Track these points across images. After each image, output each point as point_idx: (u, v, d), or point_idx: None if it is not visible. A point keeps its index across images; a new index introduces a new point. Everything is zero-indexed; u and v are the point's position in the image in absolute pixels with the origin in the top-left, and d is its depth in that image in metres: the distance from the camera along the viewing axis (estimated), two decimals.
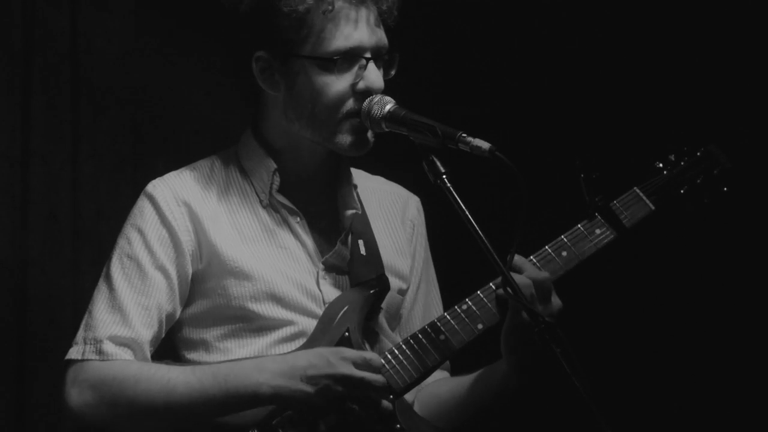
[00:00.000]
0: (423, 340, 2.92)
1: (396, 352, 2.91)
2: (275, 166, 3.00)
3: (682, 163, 3.11)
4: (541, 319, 2.67)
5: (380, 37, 2.95)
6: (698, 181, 3.10)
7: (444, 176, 2.76)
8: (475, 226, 2.71)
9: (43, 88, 4.04)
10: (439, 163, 2.77)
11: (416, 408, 3.07)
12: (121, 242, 2.97)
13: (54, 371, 3.87)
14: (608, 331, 4.33)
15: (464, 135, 2.76)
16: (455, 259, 3.41)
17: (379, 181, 3.21)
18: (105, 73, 4.10)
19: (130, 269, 2.93)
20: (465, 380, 3.06)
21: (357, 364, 2.78)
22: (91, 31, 4.09)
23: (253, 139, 3.04)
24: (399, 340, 3.05)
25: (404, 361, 2.90)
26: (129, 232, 2.97)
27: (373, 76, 2.93)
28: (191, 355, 2.98)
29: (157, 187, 3.00)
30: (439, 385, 3.09)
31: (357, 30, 2.92)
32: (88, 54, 4.08)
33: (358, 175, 3.14)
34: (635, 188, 3.06)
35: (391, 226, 3.14)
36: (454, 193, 2.74)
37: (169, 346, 3.02)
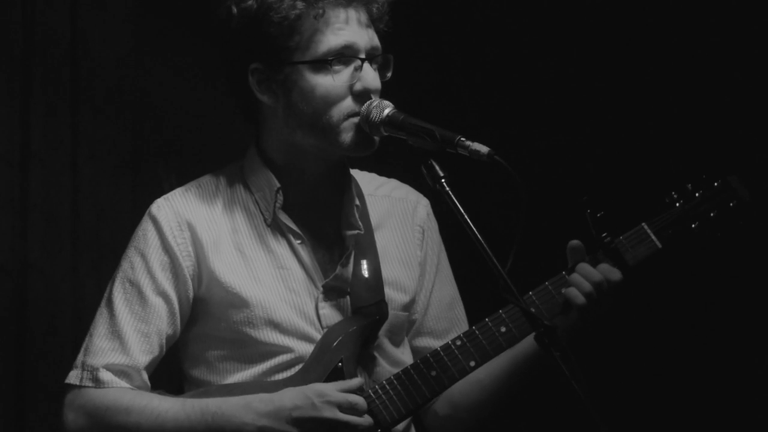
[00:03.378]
0: (414, 375, 2.93)
1: (387, 386, 2.93)
2: (278, 184, 3.00)
3: (697, 195, 3.01)
4: (540, 322, 2.67)
5: (372, 38, 2.95)
6: (712, 215, 3.00)
7: (443, 180, 2.75)
8: (474, 230, 2.70)
9: (43, 91, 4.05)
10: (437, 167, 2.76)
11: (454, 401, 3.09)
12: (124, 265, 2.99)
13: (54, 375, 3.89)
14: (608, 335, 4.33)
15: (463, 139, 2.76)
16: (455, 262, 3.40)
17: (391, 185, 3.19)
18: (104, 76, 4.11)
19: (132, 295, 2.95)
20: (500, 359, 3.02)
21: (342, 408, 2.82)
22: (91, 35, 4.10)
23: (257, 156, 3.04)
24: (403, 356, 3.06)
25: (394, 396, 2.92)
26: (132, 256, 2.98)
27: (370, 76, 2.93)
28: (193, 372, 3.01)
29: (162, 208, 2.99)
30: (474, 371, 3.04)
31: (348, 29, 2.92)
32: (87, 57, 4.09)
33: (370, 181, 3.14)
34: (643, 224, 2.99)
35: (399, 236, 3.13)
36: (453, 197, 2.74)
37: (173, 360, 3.05)
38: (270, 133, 3.02)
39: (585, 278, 2.93)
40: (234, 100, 3.05)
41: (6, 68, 4.02)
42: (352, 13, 2.93)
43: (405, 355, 3.09)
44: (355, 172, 3.11)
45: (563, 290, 2.94)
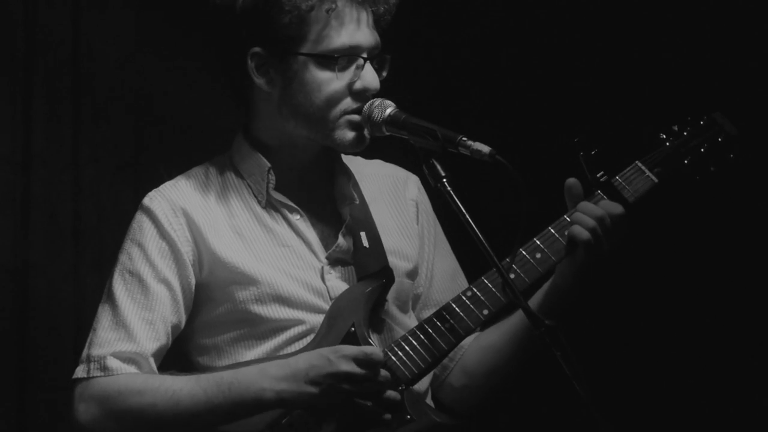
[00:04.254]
0: (429, 329, 2.92)
1: (402, 343, 2.91)
2: (269, 164, 3.00)
3: (686, 133, 3.04)
4: (541, 322, 2.67)
5: (376, 38, 2.96)
6: (702, 150, 3.03)
7: (444, 180, 2.76)
8: (475, 229, 2.71)
9: (45, 92, 4.05)
10: (439, 167, 2.77)
11: (469, 369, 3.09)
12: (122, 258, 2.97)
13: (55, 374, 3.90)
14: (609, 334, 4.34)
15: (464, 138, 2.76)
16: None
17: (377, 165, 3.20)
18: (106, 77, 4.11)
19: (133, 284, 2.94)
20: (511, 320, 3.03)
21: (358, 360, 2.78)
22: (93, 36, 4.10)
23: (244, 141, 3.04)
24: (412, 323, 3.05)
25: (411, 352, 2.90)
26: (129, 248, 2.97)
27: (370, 76, 2.94)
28: (204, 360, 2.99)
29: (154, 199, 2.99)
30: (486, 337, 3.06)
31: (359, 29, 2.93)
32: (89, 58, 4.09)
33: (356, 162, 3.14)
34: (637, 162, 3.00)
35: (394, 209, 3.13)
36: (454, 196, 2.74)
37: (180, 352, 3.02)
38: (261, 118, 3.02)
39: (587, 214, 2.90)
40: (224, 81, 3.04)
41: (7, 70, 4.02)
42: (363, 13, 2.93)
43: (412, 320, 3.08)
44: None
45: (566, 231, 2.92)
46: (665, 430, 4.39)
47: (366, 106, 2.92)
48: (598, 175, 2.96)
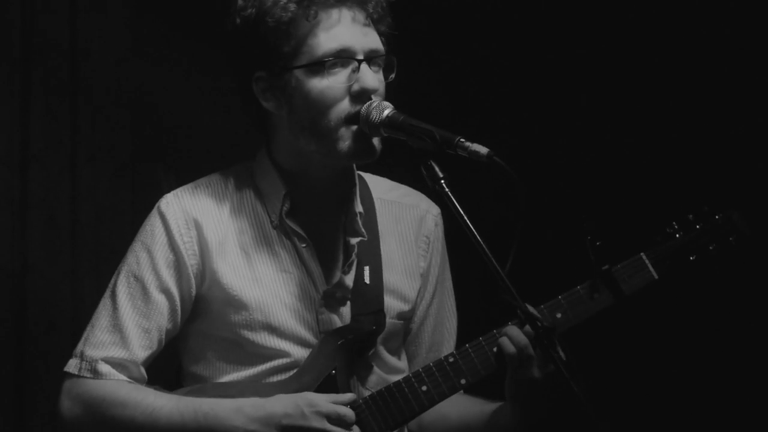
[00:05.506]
0: (405, 389, 2.95)
1: (377, 397, 2.95)
2: (285, 190, 3.00)
3: (698, 227, 3.02)
4: (539, 323, 2.67)
5: (370, 37, 2.94)
6: (711, 248, 3.01)
7: (442, 181, 2.75)
8: (474, 230, 2.70)
9: (42, 92, 4.05)
10: (437, 168, 2.76)
11: (423, 424, 3.11)
12: (130, 259, 3.00)
13: (53, 375, 3.89)
14: (607, 335, 4.34)
15: (462, 140, 2.75)
16: (454, 262, 3.41)
17: (402, 191, 3.18)
18: (104, 78, 4.11)
19: (135, 290, 2.97)
20: (476, 409, 3.07)
21: (330, 419, 2.85)
22: (90, 37, 4.10)
23: (267, 159, 3.04)
24: (400, 364, 3.09)
25: (384, 408, 2.94)
26: (138, 251, 3.00)
27: (368, 77, 2.91)
28: (191, 367, 3.04)
29: (171, 205, 3.00)
30: (449, 405, 3.07)
31: (342, 30, 2.91)
32: (86, 59, 4.09)
33: (381, 185, 3.14)
34: (642, 254, 3.00)
35: (404, 246, 3.13)
36: (452, 197, 2.74)
37: (173, 353, 3.07)
38: (278, 140, 3.02)
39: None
40: (245, 110, 3.04)
41: (5, 70, 4.02)
42: (346, 13, 2.91)
43: (401, 362, 3.11)
44: (367, 176, 3.12)
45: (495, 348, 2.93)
46: (664, 430, 4.40)
47: (363, 108, 2.90)
48: (600, 264, 2.96)
